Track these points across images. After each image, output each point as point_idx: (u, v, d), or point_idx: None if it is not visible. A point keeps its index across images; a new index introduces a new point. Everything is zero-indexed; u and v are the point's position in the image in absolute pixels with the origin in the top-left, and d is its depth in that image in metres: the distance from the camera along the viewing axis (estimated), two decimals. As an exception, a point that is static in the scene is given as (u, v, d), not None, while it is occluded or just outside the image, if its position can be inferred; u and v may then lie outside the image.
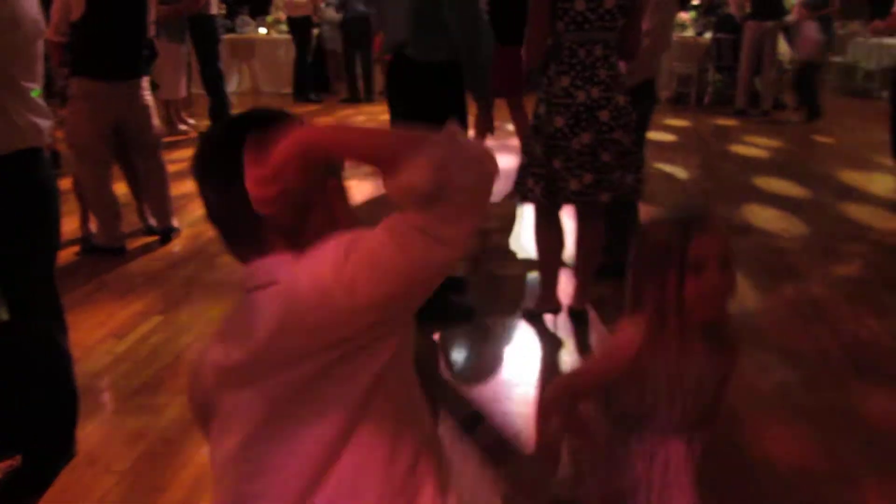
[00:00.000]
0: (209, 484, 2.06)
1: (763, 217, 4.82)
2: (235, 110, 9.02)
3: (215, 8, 7.19)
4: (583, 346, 3.16)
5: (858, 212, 4.89)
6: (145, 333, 3.21)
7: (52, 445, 2.27)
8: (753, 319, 3.33)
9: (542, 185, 3.04)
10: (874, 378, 2.84)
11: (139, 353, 3.04)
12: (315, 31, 10.08)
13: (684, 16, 9.51)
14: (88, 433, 2.46)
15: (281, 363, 0.93)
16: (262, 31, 10.77)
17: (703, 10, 9.89)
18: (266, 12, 11.58)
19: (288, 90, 10.14)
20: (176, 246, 4.32)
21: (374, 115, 8.68)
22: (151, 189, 4.34)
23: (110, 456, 2.38)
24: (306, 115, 7.46)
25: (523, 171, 3.12)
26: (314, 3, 9.56)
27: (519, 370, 2.95)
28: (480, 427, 2.57)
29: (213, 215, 1.04)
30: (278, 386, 0.94)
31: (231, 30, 11.11)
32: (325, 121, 8.25)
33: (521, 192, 3.16)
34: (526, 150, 3.18)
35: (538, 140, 3.03)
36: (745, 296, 3.54)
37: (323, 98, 9.95)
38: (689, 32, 9.23)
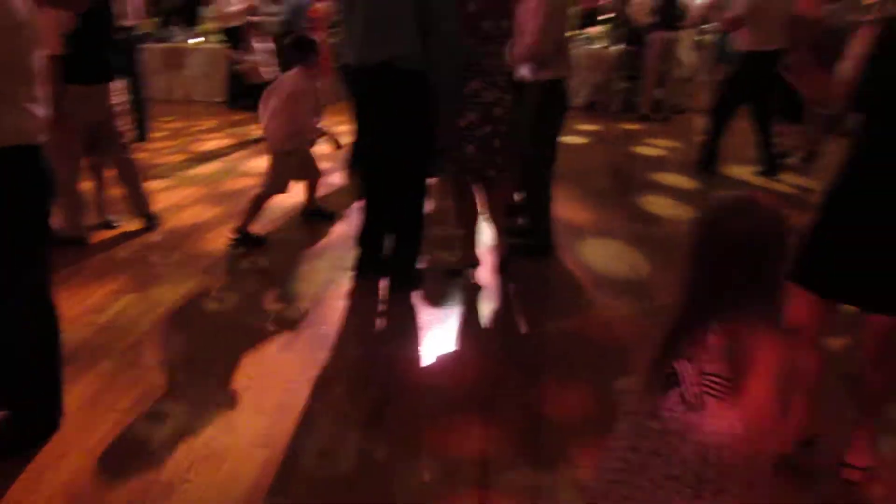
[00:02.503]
0: (198, 415, 2.58)
1: (660, 205, 5.55)
2: (169, 118, 9.34)
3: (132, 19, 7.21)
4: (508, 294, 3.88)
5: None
6: (122, 308, 3.63)
7: (38, 405, 2.54)
8: (659, 291, 3.99)
9: (457, 166, 3.79)
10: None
11: (119, 323, 3.46)
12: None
13: (594, 30, 10.29)
14: (88, 383, 2.90)
15: None
16: (198, 39, 11.02)
17: (615, 24, 10.71)
18: (195, 23, 11.87)
19: (220, 98, 10.47)
20: (139, 235, 4.73)
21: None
22: (128, 182, 4.76)
23: (111, 398, 2.82)
24: (240, 122, 7.86)
25: (439, 157, 3.80)
26: (247, 14, 9.81)
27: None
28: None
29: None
30: None
31: (163, 39, 11.38)
32: (261, 128, 8.61)
33: (437, 167, 3.89)
34: (439, 140, 3.78)
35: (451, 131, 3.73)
36: (653, 272, 4.26)
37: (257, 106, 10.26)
38: (600, 44, 9.98)
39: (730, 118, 6.30)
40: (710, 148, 6.45)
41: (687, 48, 9.83)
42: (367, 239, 3.96)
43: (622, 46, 9.67)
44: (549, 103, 4.03)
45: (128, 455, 2.49)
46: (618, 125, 9.01)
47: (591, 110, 9.84)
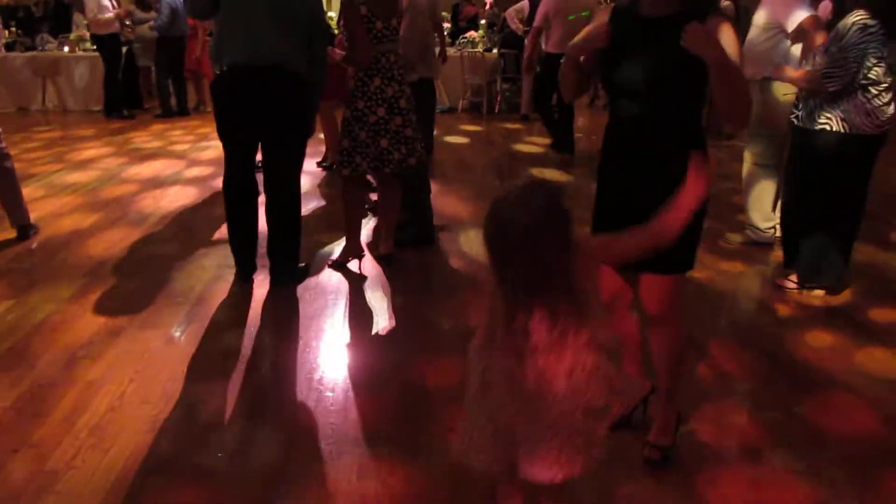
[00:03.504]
0: (85, 408, 2.61)
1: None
2: (44, 128, 9.06)
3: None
4: (393, 281, 4.07)
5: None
6: (1, 313, 3.58)
7: None
8: None
9: (367, 160, 3.96)
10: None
11: (-1, 329, 3.42)
12: (125, 49, 10.23)
13: (473, 34, 10.62)
14: (-33, 386, 2.88)
15: None
16: (66, 49, 10.67)
17: (494, 29, 11.09)
18: (67, 30, 11.49)
19: (97, 107, 10.19)
20: (15, 244, 4.62)
21: (191, 129, 8.99)
22: (7, 191, 4.67)
23: (-9, 400, 2.81)
24: (119, 130, 7.75)
25: (349, 153, 3.96)
26: (120, 21, 9.63)
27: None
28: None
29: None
30: None
31: (31, 48, 10.97)
32: (142, 136, 8.52)
33: (349, 167, 4.00)
34: (349, 138, 3.96)
35: (361, 128, 3.92)
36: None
37: (136, 114, 10.09)
38: (479, 48, 10.31)
39: (550, 110, 7.66)
40: (556, 133, 7.67)
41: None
42: (239, 239, 4.02)
43: (501, 50, 10.03)
44: (419, 101, 4.27)
45: (9, 449, 2.51)
46: (499, 125, 9.33)
47: (474, 111, 10.15)
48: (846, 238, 3.87)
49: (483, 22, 11.29)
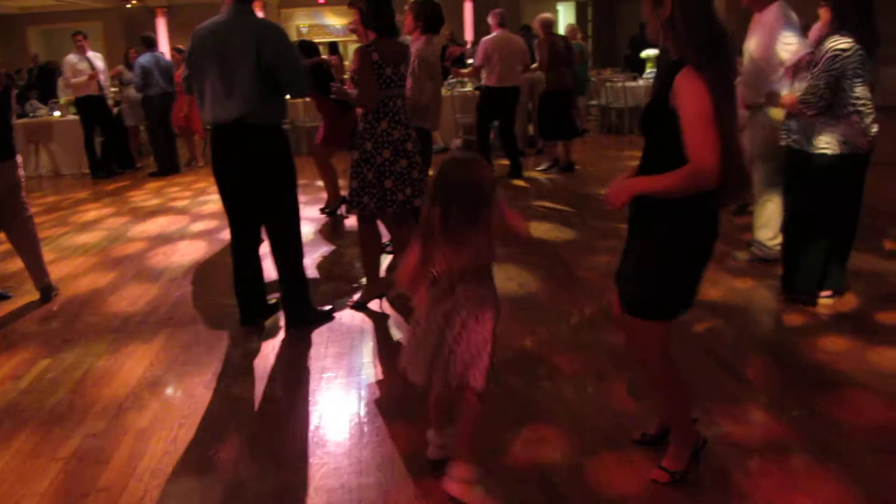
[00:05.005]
0: (142, 454, 2.72)
1: (542, 230, 6.03)
2: (40, 192, 9.17)
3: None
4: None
5: (612, 216, 6.20)
6: (40, 372, 3.67)
7: None
8: (539, 295, 4.44)
9: (374, 200, 4.10)
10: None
11: (41, 386, 3.51)
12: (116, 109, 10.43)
13: (464, 72, 10.85)
14: (24, 439, 2.97)
15: None
16: (57, 113, 10.83)
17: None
18: (54, 95, 11.67)
19: (87, 170, 10.31)
20: (39, 306, 4.72)
21: (187, 185, 9.14)
22: (30, 253, 4.80)
23: (50, 449, 2.89)
24: (115, 191, 7.87)
25: (358, 194, 4.11)
26: (98, 82, 9.76)
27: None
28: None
29: None
30: None
31: (22, 115, 11.10)
32: (140, 194, 8.64)
33: (358, 207, 4.15)
34: (357, 179, 4.11)
35: (370, 169, 4.06)
36: (531, 280, 4.67)
37: (123, 171, 10.24)
38: (468, 88, 10.56)
39: (487, 134, 8.66)
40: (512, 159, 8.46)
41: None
42: (244, 287, 4.15)
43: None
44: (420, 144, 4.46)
45: (79, 493, 2.61)
46: (493, 161, 9.54)
47: (468, 149, 10.34)
48: (845, 249, 4.05)
49: (470, 61, 11.56)
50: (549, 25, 8.38)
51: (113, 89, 10.96)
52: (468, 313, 2.37)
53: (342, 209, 6.63)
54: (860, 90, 3.67)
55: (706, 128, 2.08)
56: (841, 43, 3.65)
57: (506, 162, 8.54)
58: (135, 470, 2.74)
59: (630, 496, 2.47)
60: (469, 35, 19.50)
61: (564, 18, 24.11)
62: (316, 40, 7.91)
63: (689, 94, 2.09)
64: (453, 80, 10.55)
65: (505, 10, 8.51)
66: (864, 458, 2.63)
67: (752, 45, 4.43)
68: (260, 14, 18.27)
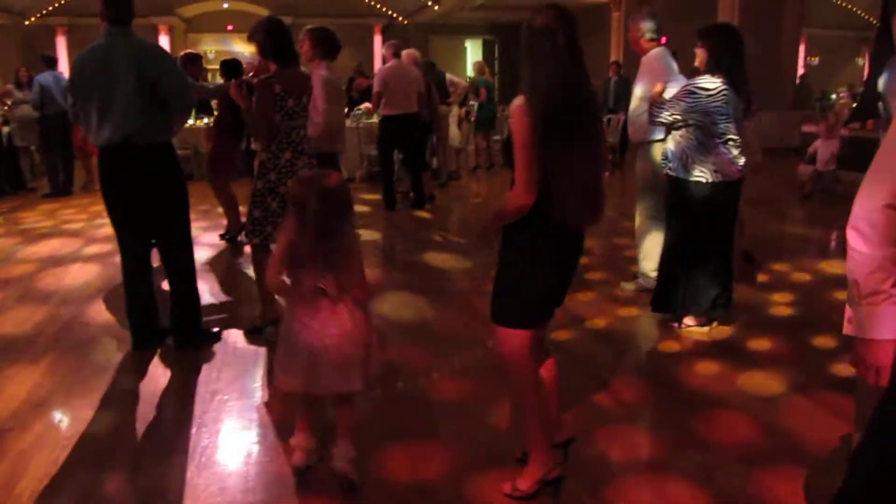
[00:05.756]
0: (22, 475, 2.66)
1: (440, 259, 6.18)
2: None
3: None
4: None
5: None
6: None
7: None
8: (435, 322, 4.56)
9: (277, 230, 4.06)
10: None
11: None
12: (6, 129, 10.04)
13: (368, 105, 10.99)
14: None
15: None
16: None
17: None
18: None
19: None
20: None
21: (83, 207, 8.87)
22: None
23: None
24: (4, 211, 7.58)
25: (261, 223, 4.12)
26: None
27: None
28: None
29: None
30: None
31: None
32: (32, 215, 8.33)
33: (259, 237, 4.15)
34: (260, 208, 4.12)
35: (273, 199, 4.09)
36: (426, 309, 4.78)
37: (19, 193, 9.87)
38: (374, 119, 10.68)
39: (390, 164, 8.68)
40: (386, 190, 8.62)
41: (454, 123, 10.84)
42: (137, 308, 4.12)
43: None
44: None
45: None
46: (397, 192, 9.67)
47: (371, 181, 10.45)
48: (724, 271, 4.34)
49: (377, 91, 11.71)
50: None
51: (4, 108, 10.55)
52: (335, 320, 2.59)
53: (242, 236, 6.60)
54: (725, 126, 4.01)
55: (522, 154, 2.36)
56: (705, 83, 4.00)
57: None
58: (12, 491, 2.67)
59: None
60: (378, 67, 19.73)
61: (472, 55, 24.80)
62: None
63: (514, 124, 2.38)
64: (359, 112, 10.67)
65: (400, 42, 8.72)
66: (731, 471, 2.83)
67: (637, 89, 4.76)
68: (166, 38, 18.05)
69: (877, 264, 1.55)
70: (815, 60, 22.27)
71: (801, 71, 18.37)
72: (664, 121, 4.15)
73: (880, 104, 3.76)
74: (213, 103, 6.68)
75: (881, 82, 3.99)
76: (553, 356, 2.80)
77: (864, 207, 1.56)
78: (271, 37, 4.12)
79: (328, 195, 2.55)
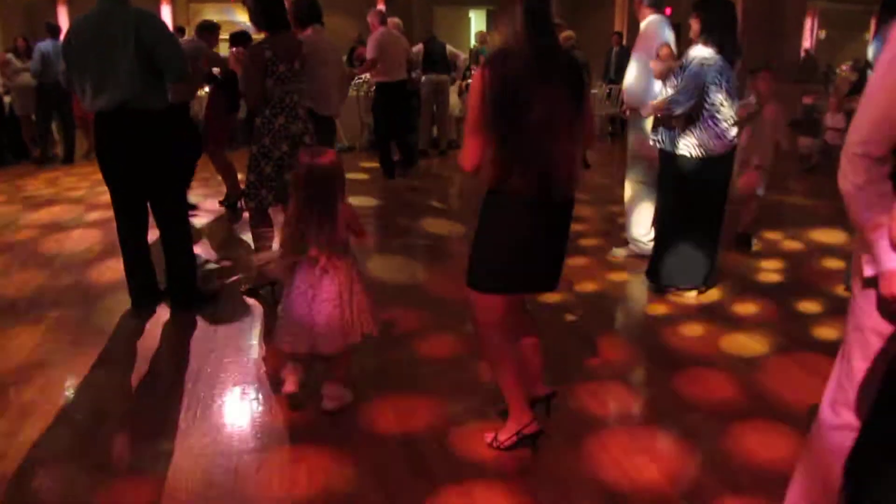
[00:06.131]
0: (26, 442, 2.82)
1: (436, 225, 6.28)
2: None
3: None
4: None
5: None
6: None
7: None
8: (426, 284, 4.67)
9: (273, 193, 4.22)
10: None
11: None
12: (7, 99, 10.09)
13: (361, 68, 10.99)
14: None
15: None
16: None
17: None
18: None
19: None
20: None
21: (85, 175, 8.92)
22: None
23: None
24: (6, 178, 7.61)
25: (256, 186, 4.21)
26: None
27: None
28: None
29: None
30: None
31: None
32: (34, 183, 8.42)
33: (255, 200, 4.24)
34: (255, 172, 4.21)
35: (267, 163, 4.17)
36: (425, 271, 4.88)
37: (22, 162, 9.93)
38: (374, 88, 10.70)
39: (387, 129, 8.64)
40: (383, 158, 8.60)
41: (454, 92, 10.84)
42: (135, 270, 4.22)
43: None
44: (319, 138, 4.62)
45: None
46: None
47: (372, 149, 10.48)
48: (711, 243, 4.41)
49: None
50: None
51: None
52: (332, 281, 2.87)
53: (241, 202, 6.69)
54: (716, 97, 4.04)
55: (469, 119, 2.43)
56: (703, 52, 4.03)
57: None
58: (15, 439, 2.79)
59: (487, 460, 2.69)
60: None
61: (476, 25, 24.65)
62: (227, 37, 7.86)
63: (470, 89, 2.46)
64: (359, 81, 10.67)
65: (386, 10, 8.83)
66: (705, 424, 2.94)
67: (631, 65, 4.82)
68: (167, 7, 17.96)
69: (865, 202, 1.68)
70: (823, 34, 22.12)
71: (806, 44, 18.29)
72: (685, 110, 4.08)
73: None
74: (216, 71, 6.67)
75: (869, 51, 4.04)
76: (532, 318, 2.89)
77: (843, 156, 1.71)
78: (260, 3, 4.18)
79: (319, 173, 2.85)
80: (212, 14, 19.62)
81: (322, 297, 2.87)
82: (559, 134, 2.41)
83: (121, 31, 3.77)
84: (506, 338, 2.68)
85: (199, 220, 6.40)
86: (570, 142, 2.46)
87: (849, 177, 1.70)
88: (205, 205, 6.95)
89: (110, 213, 6.53)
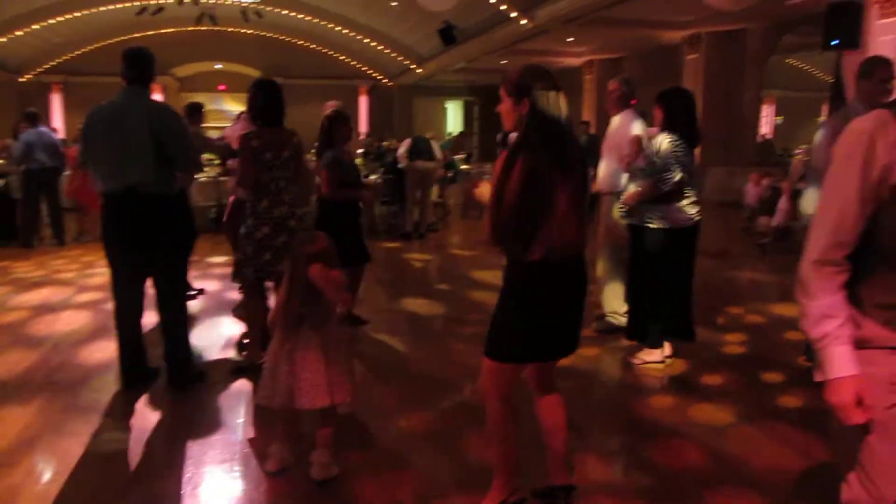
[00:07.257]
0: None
1: (417, 304, 6.48)
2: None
3: None
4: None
5: (480, 296, 6.76)
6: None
7: None
8: (413, 360, 4.86)
9: (252, 271, 4.45)
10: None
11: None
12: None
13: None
14: None
15: None
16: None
17: (371, 157, 11.96)
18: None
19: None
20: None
21: (74, 258, 9.05)
22: None
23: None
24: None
25: (240, 266, 4.47)
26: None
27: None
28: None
29: None
30: None
31: None
32: (22, 266, 8.54)
33: (239, 277, 4.51)
34: (240, 252, 4.47)
35: (249, 244, 4.41)
36: (408, 349, 5.06)
37: (12, 244, 10.07)
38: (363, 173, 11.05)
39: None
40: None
41: (437, 178, 11.29)
42: (128, 350, 4.35)
43: (382, 175, 10.93)
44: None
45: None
46: (381, 244, 9.96)
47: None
48: (684, 299, 4.62)
49: (360, 151, 12.14)
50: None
51: (0, 161, 10.85)
52: (310, 349, 3.10)
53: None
54: (678, 176, 4.34)
55: (494, 195, 2.59)
56: (670, 138, 4.37)
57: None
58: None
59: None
60: (363, 127, 20.37)
61: (452, 115, 25.50)
62: (214, 125, 8.24)
63: (497, 168, 2.61)
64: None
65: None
66: (674, 493, 3.09)
67: (604, 152, 5.26)
68: (160, 97, 18.50)
69: (819, 313, 1.74)
70: (780, 120, 23.19)
71: (764, 130, 19.15)
72: (676, 179, 4.34)
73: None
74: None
75: (817, 136, 4.38)
76: (557, 394, 2.97)
77: (802, 264, 1.78)
78: (252, 97, 4.51)
79: (305, 259, 3.13)
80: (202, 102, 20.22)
81: (301, 354, 3.07)
82: (577, 210, 2.65)
83: (137, 121, 4.07)
84: (509, 411, 2.79)
85: (200, 299, 6.66)
86: (582, 213, 2.70)
87: (808, 288, 1.76)
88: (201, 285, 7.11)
89: (100, 295, 6.75)
